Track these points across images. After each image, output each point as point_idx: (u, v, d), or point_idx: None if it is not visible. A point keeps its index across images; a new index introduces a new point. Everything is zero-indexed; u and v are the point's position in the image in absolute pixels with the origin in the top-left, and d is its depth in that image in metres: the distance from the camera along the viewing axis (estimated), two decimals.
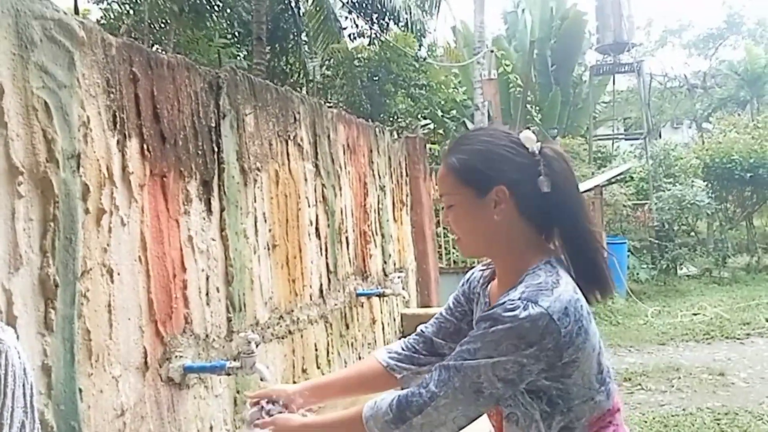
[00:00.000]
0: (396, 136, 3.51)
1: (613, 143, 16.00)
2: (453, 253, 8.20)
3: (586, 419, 1.17)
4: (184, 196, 1.59)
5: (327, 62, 9.53)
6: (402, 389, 1.24)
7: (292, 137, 2.19)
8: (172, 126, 1.56)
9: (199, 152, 1.66)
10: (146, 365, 1.42)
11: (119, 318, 1.35)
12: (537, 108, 12.91)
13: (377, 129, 3.09)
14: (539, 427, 1.17)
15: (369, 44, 9.11)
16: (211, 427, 1.64)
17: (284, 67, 8.10)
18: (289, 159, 2.16)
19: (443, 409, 1.12)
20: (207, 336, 1.65)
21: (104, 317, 1.31)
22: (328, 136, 2.49)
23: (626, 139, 17.56)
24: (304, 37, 8.14)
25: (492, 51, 7.56)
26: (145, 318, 1.43)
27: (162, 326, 1.48)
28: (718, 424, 4.34)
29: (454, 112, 13.27)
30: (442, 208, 1.33)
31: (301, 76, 8.72)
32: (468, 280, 1.50)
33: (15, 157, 1.12)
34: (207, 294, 1.67)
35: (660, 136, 19.49)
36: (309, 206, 2.29)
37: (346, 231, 2.62)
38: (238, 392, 1.77)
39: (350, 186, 2.69)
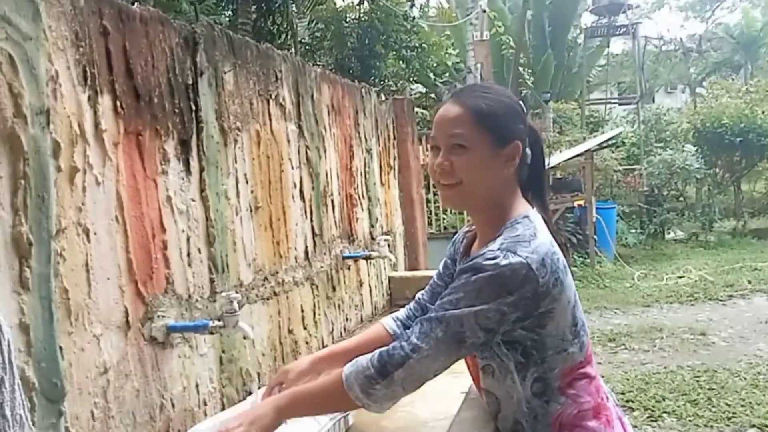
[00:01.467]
0: (384, 98, 3.47)
1: (605, 107, 15.94)
2: (443, 219, 8.22)
3: (559, 370, 1.21)
4: (161, 156, 1.57)
5: (315, 23, 9.33)
6: None
7: (273, 96, 2.15)
8: (147, 82, 1.52)
9: (176, 110, 1.63)
10: (128, 324, 1.42)
11: (98, 277, 1.34)
12: (530, 71, 12.78)
13: (363, 90, 3.05)
14: (514, 377, 1.20)
15: (359, 4, 8.90)
16: (197, 385, 1.65)
17: (271, 28, 7.92)
18: (270, 119, 2.12)
19: (425, 361, 1.14)
20: (189, 296, 1.65)
21: (82, 276, 1.30)
22: (312, 96, 2.45)
23: (620, 104, 17.49)
24: None
25: (485, 11, 7.42)
26: (125, 278, 1.42)
27: (143, 286, 1.48)
28: (698, 381, 4.47)
29: (446, 75, 13.11)
30: (432, 148, 1.27)
31: (289, 37, 8.54)
32: (453, 242, 1.51)
33: None
34: (188, 255, 1.66)
35: (653, 101, 19.43)
36: (292, 168, 2.27)
37: (332, 194, 2.60)
38: (223, 352, 1.78)
39: (335, 148, 2.67)
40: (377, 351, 1.19)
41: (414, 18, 8.99)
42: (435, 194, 8.30)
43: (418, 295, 1.57)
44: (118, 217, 1.41)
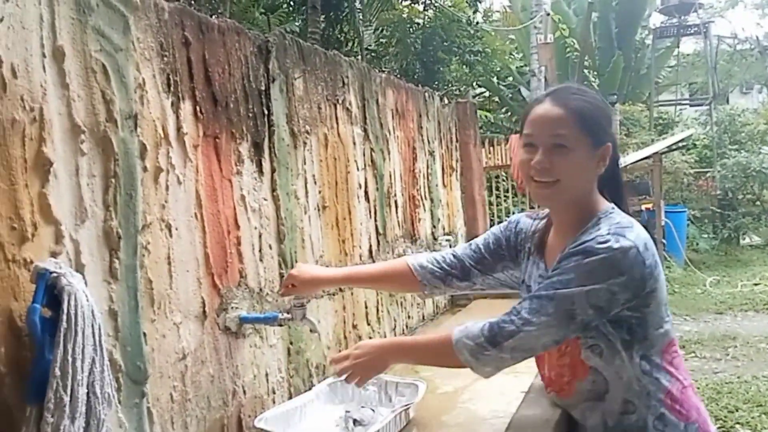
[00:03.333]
0: (447, 102, 3.45)
1: (675, 109, 15.16)
2: (497, 224, 8.08)
3: (659, 347, 1.25)
4: (236, 157, 1.63)
5: (381, 30, 9.39)
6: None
7: (340, 101, 2.19)
8: (224, 89, 1.59)
9: (250, 115, 1.69)
10: (204, 314, 1.48)
11: (178, 270, 1.41)
12: (596, 73, 12.33)
13: (426, 94, 3.04)
14: (622, 356, 1.23)
15: (423, 10, 8.90)
16: (266, 374, 1.70)
17: (338, 36, 8.07)
18: (337, 123, 2.16)
19: (535, 333, 1.20)
20: (261, 290, 1.70)
21: (164, 268, 1.37)
22: (377, 101, 2.47)
23: (691, 105, 16.59)
24: (358, 4, 8.04)
25: (548, 14, 7.24)
26: (202, 271, 1.49)
27: (218, 279, 1.54)
28: None
29: (510, 79, 12.86)
30: (526, 146, 1.28)
31: (356, 44, 8.66)
32: (516, 228, 1.52)
33: (77, 116, 1.17)
34: (260, 250, 1.71)
35: (727, 102, 18.30)
36: (358, 170, 2.29)
37: (395, 195, 2.61)
38: (291, 343, 1.82)
39: (399, 151, 2.68)
40: (486, 322, 1.24)
41: (477, 23, 8.90)
42: (498, 196, 8.17)
43: (456, 250, 1.60)
44: (197, 214, 1.48)
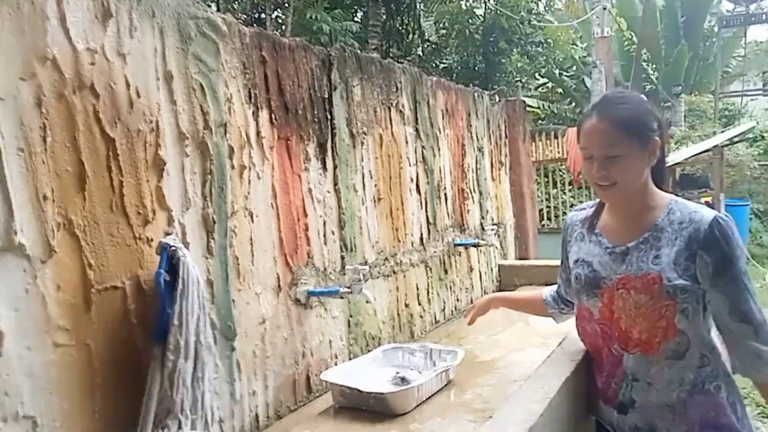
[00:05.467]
0: (497, 99, 3.61)
1: (741, 100, 14.38)
2: (554, 217, 8.07)
3: (710, 311, 1.45)
4: (304, 156, 1.89)
5: (442, 23, 9.50)
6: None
7: (394, 104, 2.42)
8: (293, 98, 1.85)
9: (315, 119, 1.95)
10: (279, 287, 1.76)
11: (258, 249, 1.69)
12: (657, 65, 11.91)
13: (476, 94, 3.22)
14: (700, 317, 1.44)
15: (484, 1, 8.96)
16: (330, 341, 1.96)
17: (399, 28, 8.27)
18: (391, 124, 2.39)
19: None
20: (325, 269, 1.96)
21: (247, 248, 1.65)
22: (428, 102, 2.68)
23: (764, 95, 15.68)
24: None
25: (605, 8, 7.15)
26: (277, 251, 1.76)
27: (290, 258, 1.81)
28: None
29: (573, 69, 12.62)
30: (585, 158, 1.48)
31: (417, 36, 8.83)
32: (566, 227, 1.71)
33: (182, 126, 1.46)
34: (324, 236, 1.97)
35: None
36: (410, 165, 2.52)
37: (445, 188, 2.82)
38: (351, 316, 2.07)
39: (448, 147, 2.88)
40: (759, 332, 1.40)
41: (539, 13, 8.87)
42: (561, 189, 8.16)
43: (556, 287, 1.85)
44: (272, 204, 1.75)
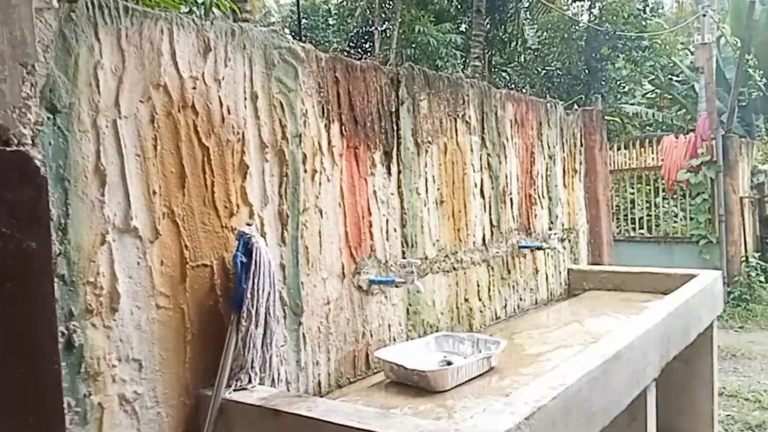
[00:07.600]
0: (574, 110, 3.60)
1: None
2: (654, 227, 7.64)
3: None
4: (370, 163, 2.09)
5: (544, 30, 9.37)
6: None
7: (460, 116, 2.55)
8: (363, 113, 2.06)
9: (382, 131, 2.14)
10: (343, 274, 1.97)
11: (326, 241, 1.91)
12: (765, 71, 10.76)
13: (548, 104, 3.25)
14: None
15: (589, 8, 8.73)
16: (389, 325, 2.14)
17: (502, 36, 8.29)
18: (456, 133, 2.53)
19: None
20: (386, 262, 2.14)
21: (316, 240, 1.88)
22: (496, 113, 2.78)
23: None
24: (525, 2, 8.16)
25: (704, 15, 6.70)
26: (343, 243, 1.97)
27: (354, 250, 2.01)
28: None
29: (681, 74, 11.81)
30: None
31: (519, 44, 8.79)
32: None
33: (264, 137, 1.71)
34: (386, 232, 2.16)
35: None
36: (474, 172, 2.63)
37: (511, 193, 2.90)
38: (410, 305, 2.24)
39: (516, 155, 2.95)
40: None
41: (645, 18, 8.48)
42: (664, 197, 7.73)
43: None
44: (340, 203, 1.97)
